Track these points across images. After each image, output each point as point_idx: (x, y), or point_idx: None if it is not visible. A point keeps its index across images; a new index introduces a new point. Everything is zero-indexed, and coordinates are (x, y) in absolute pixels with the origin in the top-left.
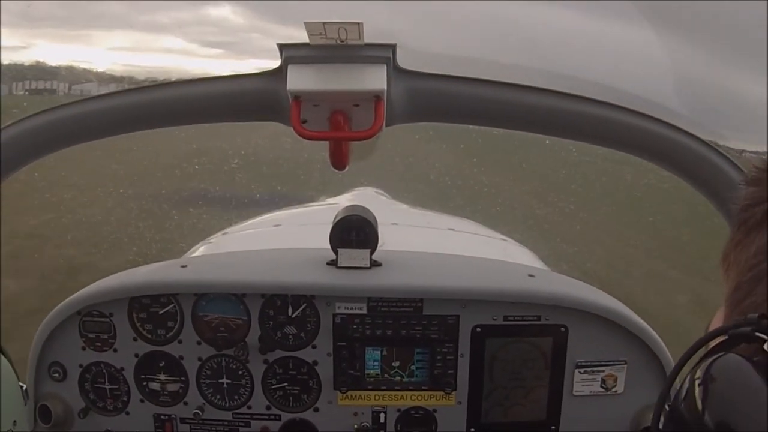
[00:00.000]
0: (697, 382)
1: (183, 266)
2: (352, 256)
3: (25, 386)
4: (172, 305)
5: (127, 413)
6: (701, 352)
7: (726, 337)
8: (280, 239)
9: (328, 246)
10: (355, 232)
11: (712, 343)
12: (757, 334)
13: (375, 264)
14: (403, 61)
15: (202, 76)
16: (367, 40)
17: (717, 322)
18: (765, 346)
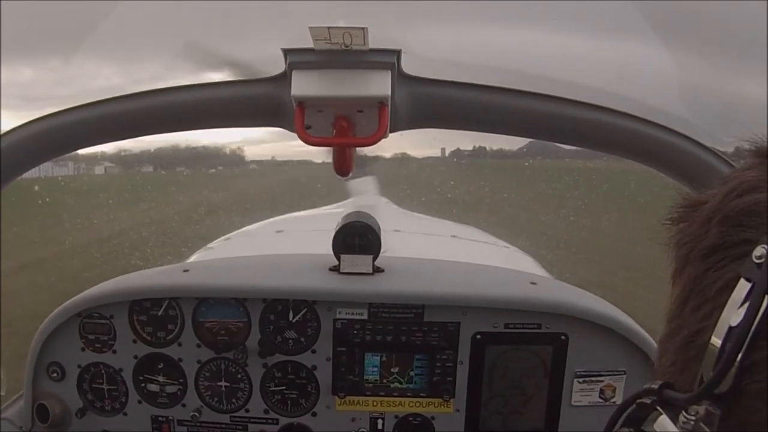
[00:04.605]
0: None
1: (185, 270)
2: (355, 262)
3: None
4: (173, 309)
5: (125, 414)
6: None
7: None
8: (282, 245)
9: (331, 252)
10: (357, 238)
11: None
12: (657, 408)
13: (377, 270)
14: (408, 66)
15: (206, 81)
16: (372, 45)
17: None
18: (654, 425)
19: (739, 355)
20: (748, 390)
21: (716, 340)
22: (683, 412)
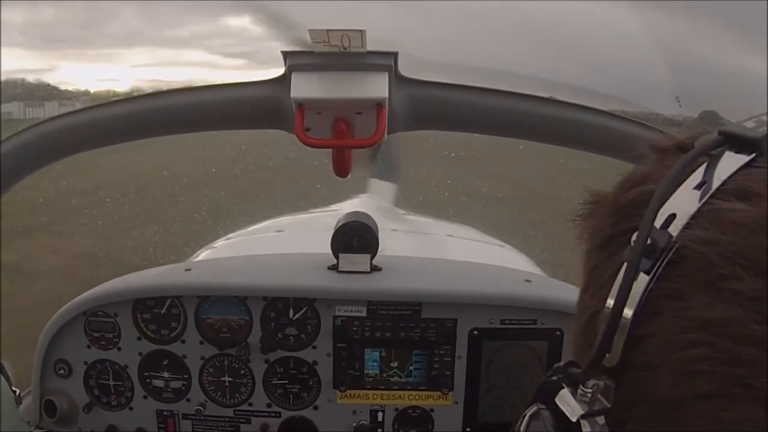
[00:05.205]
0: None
1: (187, 270)
2: (353, 260)
3: (18, 391)
4: (176, 307)
5: (131, 408)
6: None
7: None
8: (282, 244)
9: (330, 251)
10: (356, 237)
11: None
12: (563, 384)
13: (375, 269)
14: (405, 69)
15: (206, 84)
16: (370, 47)
17: None
18: (556, 399)
19: (620, 330)
20: (634, 362)
21: (602, 321)
22: (581, 385)
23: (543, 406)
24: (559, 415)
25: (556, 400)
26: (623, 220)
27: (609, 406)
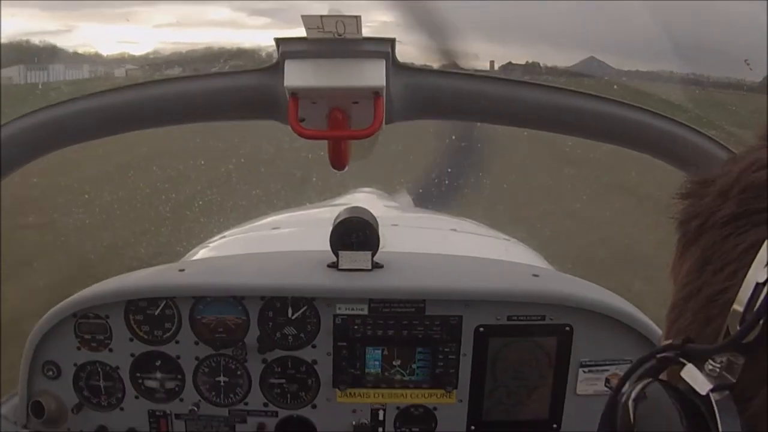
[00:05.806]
0: (629, 407)
1: (181, 270)
2: (354, 258)
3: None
4: (170, 308)
5: (122, 409)
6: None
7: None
8: (279, 242)
9: (329, 248)
10: (355, 234)
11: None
12: (681, 359)
13: (376, 266)
14: (403, 56)
15: (197, 74)
16: (365, 34)
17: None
18: (681, 373)
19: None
20: None
21: (743, 296)
22: (709, 360)
23: (649, 380)
24: (673, 389)
25: (682, 374)
26: (755, 199)
27: (734, 381)
